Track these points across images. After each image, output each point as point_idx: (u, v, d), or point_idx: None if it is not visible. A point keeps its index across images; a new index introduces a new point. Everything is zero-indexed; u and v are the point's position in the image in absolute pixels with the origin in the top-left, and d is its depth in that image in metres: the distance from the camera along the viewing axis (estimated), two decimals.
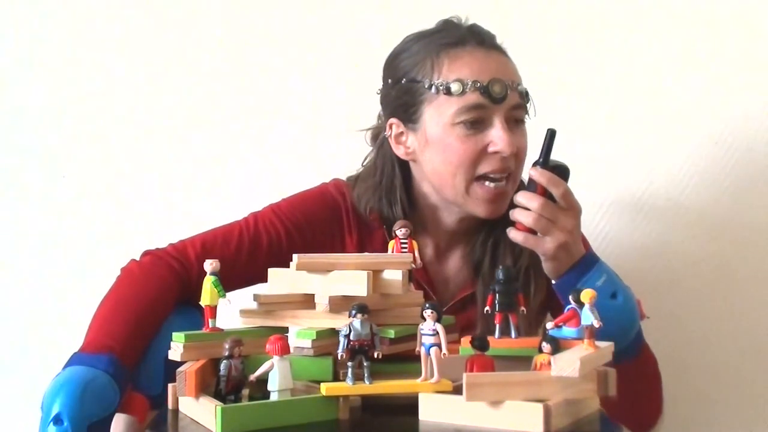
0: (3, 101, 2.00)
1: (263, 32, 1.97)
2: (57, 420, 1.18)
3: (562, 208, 1.41)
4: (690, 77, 1.90)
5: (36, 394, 1.26)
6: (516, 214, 1.42)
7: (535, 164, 1.43)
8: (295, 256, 1.26)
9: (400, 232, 1.32)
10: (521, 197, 1.42)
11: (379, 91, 1.56)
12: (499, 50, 1.50)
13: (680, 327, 1.89)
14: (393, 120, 1.51)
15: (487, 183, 1.46)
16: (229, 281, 1.32)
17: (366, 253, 1.39)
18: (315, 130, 1.95)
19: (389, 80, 1.52)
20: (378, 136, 1.58)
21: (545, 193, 1.41)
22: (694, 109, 1.90)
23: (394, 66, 1.52)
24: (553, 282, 1.44)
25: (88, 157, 1.98)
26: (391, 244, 1.33)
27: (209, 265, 1.28)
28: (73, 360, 1.27)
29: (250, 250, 1.50)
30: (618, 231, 1.91)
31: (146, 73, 1.98)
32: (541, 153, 1.43)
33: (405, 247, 1.31)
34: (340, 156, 1.80)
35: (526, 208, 1.40)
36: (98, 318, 1.36)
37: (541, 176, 1.41)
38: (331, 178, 1.62)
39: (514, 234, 1.42)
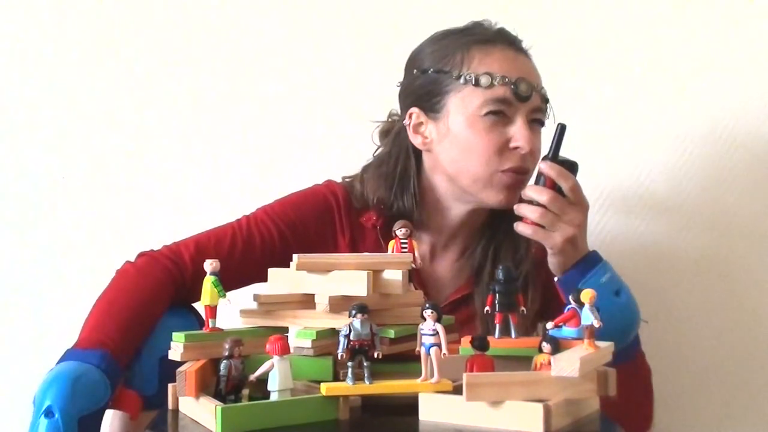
0: (2, 101, 1.99)
1: (262, 35, 1.97)
2: (48, 413, 1.19)
3: (571, 202, 1.42)
4: (687, 73, 1.90)
5: (31, 391, 1.26)
6: (523, 209, 1.43)
7: (544, 158, 1.44)
8: (295, 256, 1.25)
9: (400, 232, 1.32)
10: (530, 191, 1.43)
11: (399, 84, 1.58)
12: (525, 54, 1.54)
13: (679, 326, 1.89)
14: (414, 109, 1.53)
15: (510, 173, 1.48)
16: (222, 282, 1.32)
17: (366, 253, 1.39)
18: (312, 132, 1.95)
19: (414, 70, 1.54)
20: (388, 132, 1.61)
21: (554, 188, 1.42)
22: (695, 105, 1.90)
23: (420, 57, 1.54)
24: (557, 278, 1.44)
25: (87, 158, 1.98)
26: (391, 244, 1.32)
27: (209, 265, 1.28)
28: (66, 356, 1.28)
29: (243, 250, 1.50)
30: (613, 229, 1.91)
31: (143, 74, 1.98)
32: (550, 148, 1.45)
33: (405, 247, 1.31)
34: (338, 158, 1.79)
35: (536, 201, 1.41)
36: (93, 316, 1.36)
37: (550, 169, 1.42)
38: (325, 179, 1.63)
39: (522, 228, 1.43)
